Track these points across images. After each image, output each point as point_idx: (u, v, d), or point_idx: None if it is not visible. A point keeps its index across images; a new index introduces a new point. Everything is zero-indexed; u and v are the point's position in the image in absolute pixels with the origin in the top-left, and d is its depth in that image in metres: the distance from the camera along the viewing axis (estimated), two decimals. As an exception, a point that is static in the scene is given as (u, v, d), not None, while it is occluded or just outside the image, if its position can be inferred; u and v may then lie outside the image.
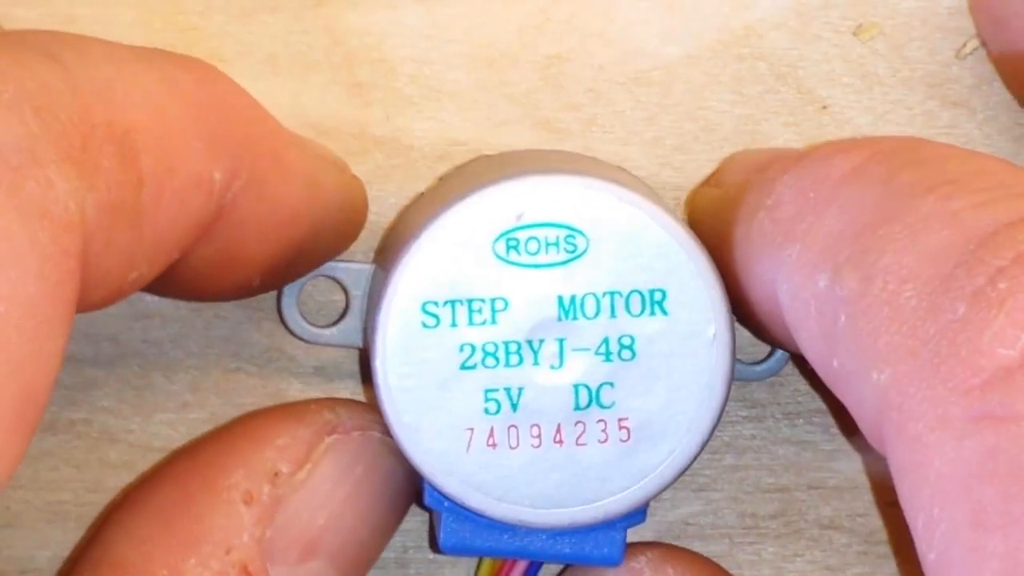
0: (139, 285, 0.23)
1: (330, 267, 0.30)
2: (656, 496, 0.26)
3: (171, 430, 0.31)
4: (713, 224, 0.26)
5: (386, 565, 0.30)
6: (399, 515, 0.29)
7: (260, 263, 0.27)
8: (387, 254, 0.29)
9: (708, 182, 0.30)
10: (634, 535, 0.28)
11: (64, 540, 0.31)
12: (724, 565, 0.29)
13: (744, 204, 0.25)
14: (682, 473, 0.26)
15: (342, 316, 0.30)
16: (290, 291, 0.30)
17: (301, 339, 0.30)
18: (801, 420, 0.31)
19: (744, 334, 0.29)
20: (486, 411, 0.25)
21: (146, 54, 0.24)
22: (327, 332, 0.30)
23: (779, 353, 0.30)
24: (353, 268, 0.30)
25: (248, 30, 0.31)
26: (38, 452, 0.31)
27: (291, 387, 0.31)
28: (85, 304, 0.22)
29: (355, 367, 0.31)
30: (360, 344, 0.30)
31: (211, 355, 0.31)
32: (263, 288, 0.29)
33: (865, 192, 0.23)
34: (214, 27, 0.31)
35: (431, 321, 0.25)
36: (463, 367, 0.25)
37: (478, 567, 0.28)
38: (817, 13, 0.31)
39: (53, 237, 0.20)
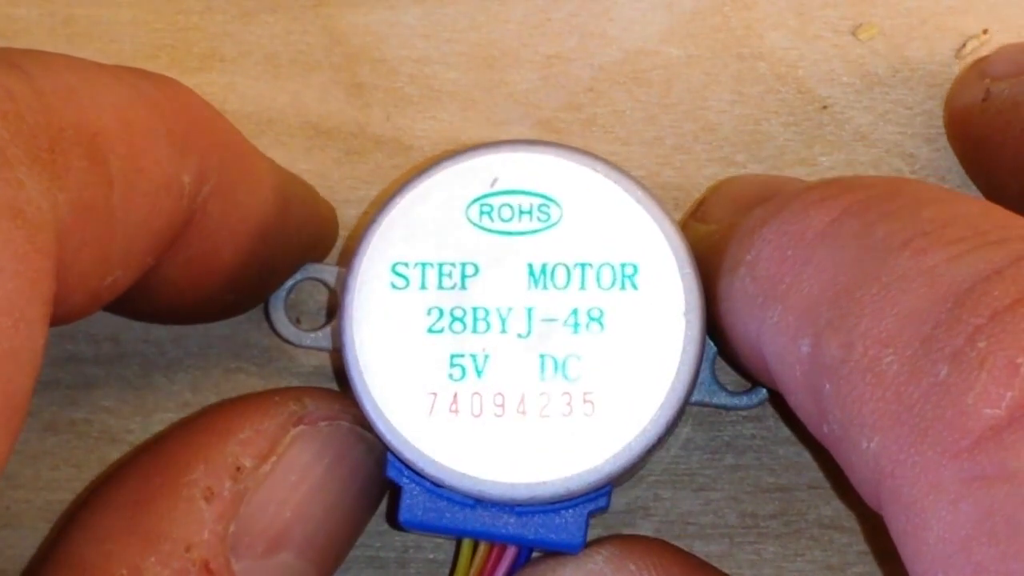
0: (116, 291, 0.24)
1: (316, 269, 0.30)
2: (619, 478, 0.25)
3: (171, 430, 0.31)
4: (703, 265, 0.26)
5: (386, 565, 0.30)
6: (370, 505, 0.29)
7: (232, 275, 0.27)
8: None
9: (695, 215, 0.29)
10: (630, 531, 0.28)
11: (64, 540, 0.31)
12: (724, 565, 0.29)
13: (727, 255, 0.25)
14: (647, 455, 0.25)
15: (330, 319, 0.30)
16: (276, 295, 0.30)
17: (289, 343, 0.30)
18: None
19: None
20: (451, 376, 0.25)
21: (111, 67, 0.24)
22: (313, 335, 0.29)
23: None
24: (341, 271, 0.29)
25: (248, 30, 0.31)
26: (38, 452, 0.31)
27: (290, 387, 0.31)
28: (64, 310, 0.22)
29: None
30: None
31: (211, 355, 0.31)
32: (236, 306, 0.29)
33: (841, 250, 0.22)
34: (214, 27, 0.31)
35: (400, 282, 0.25)
36: (430, 331, 0.25)
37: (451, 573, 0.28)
38: (817, 13, 0.31)
39: (27, 236, 0.20)
